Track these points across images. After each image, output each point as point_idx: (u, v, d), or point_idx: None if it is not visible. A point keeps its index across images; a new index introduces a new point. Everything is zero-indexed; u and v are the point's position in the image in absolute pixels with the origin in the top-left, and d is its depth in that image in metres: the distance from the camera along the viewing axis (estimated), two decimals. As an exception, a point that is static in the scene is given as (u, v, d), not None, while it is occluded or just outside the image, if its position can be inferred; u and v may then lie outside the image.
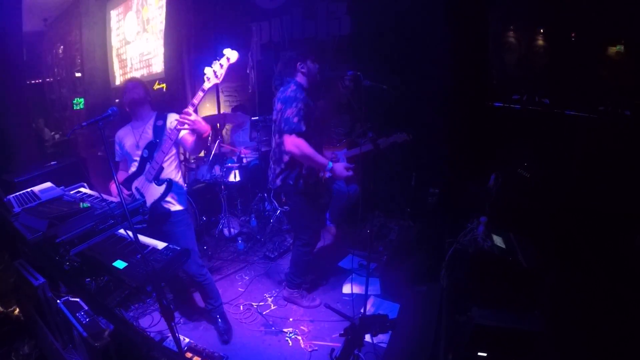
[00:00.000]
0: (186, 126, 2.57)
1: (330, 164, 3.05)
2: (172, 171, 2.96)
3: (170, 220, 2.92)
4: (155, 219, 2.77)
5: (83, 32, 8.27)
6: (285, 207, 3.28)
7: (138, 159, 2.89)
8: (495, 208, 2.94)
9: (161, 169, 2.80)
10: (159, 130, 2.90)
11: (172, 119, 2.92)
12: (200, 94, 2.58)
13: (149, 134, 2.91)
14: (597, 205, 3.47)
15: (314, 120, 3.10)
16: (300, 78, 3.16)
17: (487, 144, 4.04)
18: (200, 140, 2.74)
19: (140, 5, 7.52)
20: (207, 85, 2.60)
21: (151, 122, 2.95)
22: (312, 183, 3.21)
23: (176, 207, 2.95)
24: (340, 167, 3.07)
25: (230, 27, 5.88)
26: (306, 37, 5.25)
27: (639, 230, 3.09)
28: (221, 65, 2.59)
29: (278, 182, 3.21)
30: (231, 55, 2.60)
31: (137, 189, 2.83)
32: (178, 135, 2.71)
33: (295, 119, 2.94)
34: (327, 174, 3.15)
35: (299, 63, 3.14)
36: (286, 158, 3.13)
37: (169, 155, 2.88)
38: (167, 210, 2.88)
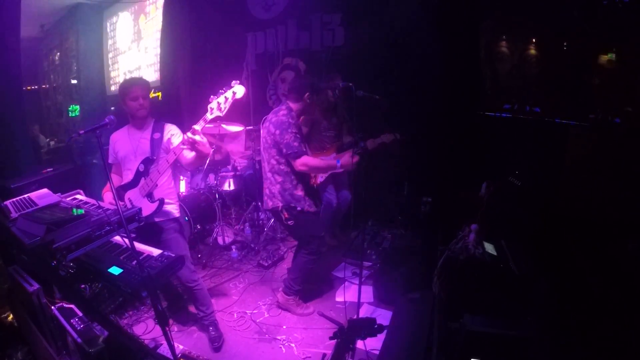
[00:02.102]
0: (190, 145, 2.60)
1: (338, 161, 3.24)
2: (165, 185, 3.00)
3: (162, 227, 2.95)
4: (147, 229, 2.77)
5: (80, 39, 8.32)
6: (290, 222, 3.32)
7: (132, 169, 2.88)
8: (487, 216, 2.97)
9: (155, 186, 2.80)
10: (156, 144, 2.89)
11: (169, 133, 2.94)
12: (202, 123, 2.56)
13: (145, 145, 2.90)
14: (588, 212, 3.51)
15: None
16: (296, 105, 3.28)
17: (479, 153, 4.09)
18: (199, 160, 2.81)
19: (137, 14, 7.58)
20: (209, 116, 2.56)
21: (148, 132, 2.94)
22: (311, 196, 3.33)
23: (168, 215, 2.98)
24: (347, 158, 3.23)
25: (226, 37, 5.94)
26: (301, 47, 5.33)
27: (630, 235, 3.14)
28: (226, 99, 2.55)
29: (278, 202, 3.29)
30: (238, 90, 2.56)
31: (130, 200, 2.83)
32: (175, 157, 2.70)
33: (296, 144, 3.11)
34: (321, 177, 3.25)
35: (307, 94, 3.24)
36: (279, 179, 3.27)
37: (164, 174, 2.88)
38: (159, 221, 2.92)
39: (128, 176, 2.91)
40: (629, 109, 3.60)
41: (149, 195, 2.80)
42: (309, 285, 3.85)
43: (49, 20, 8.79)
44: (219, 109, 2.55)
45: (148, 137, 2.92)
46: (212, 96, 2.57)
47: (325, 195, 4.49)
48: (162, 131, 2.94)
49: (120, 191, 2.87)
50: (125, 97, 2.85)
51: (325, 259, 4.37)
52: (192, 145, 2.59)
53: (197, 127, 2.55)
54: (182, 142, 2.62)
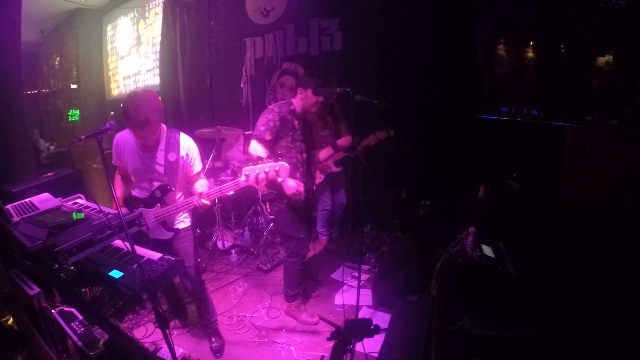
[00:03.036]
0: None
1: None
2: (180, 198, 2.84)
3: (175, 236, 2.83)
4: (158, 241, 2.74)
5: (79, 44, 8.33)
6: (271, 216, 3.35)
7: (145, 186, 2.72)
8: (485, 218, 2.99)
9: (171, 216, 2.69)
10: (172, 168, 2.68)
11: (184, 153, 2.71)
12: (230, 189, 2.47)
13: (159, 167, 2.68)
14: (586, 214, 3.53)
15: (291, 135, 3.20)
16: (296, 101, 3.27)
17: (477, 156, 4.11)
18: None
19: (136, 19, 7.62)
20: (242, 183, 2.42)
21: (162, 150, 2.67)
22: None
23: (181, 224, 2.88)
24: (291, 184, 3.10)
25: (225, 42, 5.97)
26: (299, 52, 5.36)
27: (628, 236, 3.16)
28: (266, 174, 2.37)
29: (264, 190, 3.34)
30: (282, 171, 2.41)
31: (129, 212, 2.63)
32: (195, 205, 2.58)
33: (262, 128, 3.10)
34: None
35: (299, 88, 3.23)
36: None
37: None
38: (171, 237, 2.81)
39: (141, 191, 2.76)
40: (626, 111, 3.63)
41: (164, 224, 2.68)
42: (308, 290, 3.88)
43: (49, 25, 8.81)
44: (256, 181, 2.38)
45: (162, 157, 2.67)
46: (249, 162, 2.40)
47: (321, 197, 4.53)
48: (177, 151, 2.68)
49: (133, 202, 2.72)
50: (129, 128, 2.55)
51: (324, 263, 4.39)
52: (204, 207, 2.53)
53: (205, 199, 2.48)
54: (188, 204, 2.56)
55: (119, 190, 2.94)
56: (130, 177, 2.86)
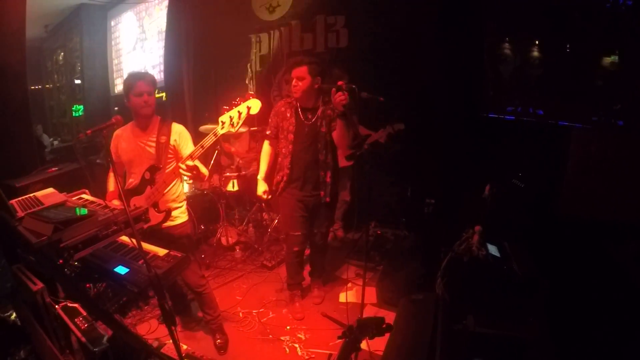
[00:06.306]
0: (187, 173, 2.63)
1: (260, 179, 3.48)
2: (173, 188, 2.89)
3: (170, 232, 2.88)
4: (155, 234, 2.74)
5: (84, 39, 8.35)
6: None
7: (138, 174, 2.77)
8: (491, 218, 2.98)
9: (162, 196, 2.74)
10: (162, 149, 2.77)
11: (176, 135, 2.83)
12: (213, 137, 2.48)
13: (151, 149, 2.79)
14: (590, 214, 3.51)
15: (283, 127, 3.30)
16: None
17: (482, 155, 4.09)
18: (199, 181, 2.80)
19: (141, 15, 7.62)
20: (219, 131, 2.49)
21: (154, 134, 2.80)
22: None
23: (177, 220, 2.91)
24: (260, 189, 3.48)
25: (230, 38, 5.96)
26: (305, 49, 5.33)
27: (633, 237, 3.14)
28: (239, 114, 2.45)
29: None
30: (254, 105, 2.48)
31: (135, 207, 2.74)
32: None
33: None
34: None
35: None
36: None
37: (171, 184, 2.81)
38: (167, 226, 2.86)
39: (134, 181, 2.82)
40: (632, 111, 3.61)
41: (155, 205, 2.74)
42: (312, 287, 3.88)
43: (53, 20, 8.83)
44: (231, 124, 2.46)
45: (154, 141, 2.79)
46: (224, 107, 2.49)
47: None
48: (168, 134, 2.80)
49: (127, 195, 2.75)
50: (129, 92, 2.69)
51: (328, 260, 4.38)
52: (191, 171, 2.59)
53: (189, 163, 2.55)
54: (174, 173, 2.66)
55: (113, 184, 2.97)
56: (126, 172, 2.94)
